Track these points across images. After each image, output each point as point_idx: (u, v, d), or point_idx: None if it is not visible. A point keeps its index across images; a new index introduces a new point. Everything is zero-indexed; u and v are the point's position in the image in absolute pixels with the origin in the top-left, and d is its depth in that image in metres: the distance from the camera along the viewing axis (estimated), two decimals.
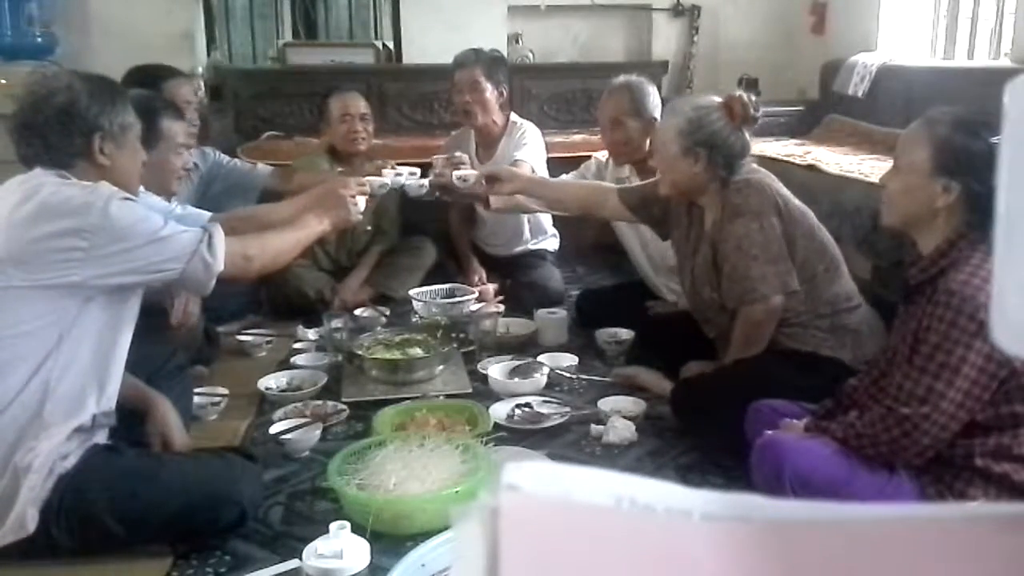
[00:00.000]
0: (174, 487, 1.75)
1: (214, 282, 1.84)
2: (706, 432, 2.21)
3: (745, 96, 2.27)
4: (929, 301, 1.61)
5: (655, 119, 2.93)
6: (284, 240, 2.08)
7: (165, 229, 1.78)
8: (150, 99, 2.42)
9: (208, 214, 2.39)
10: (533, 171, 3.19)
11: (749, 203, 2.22)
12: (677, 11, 5.19)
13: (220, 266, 1.82)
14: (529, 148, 3.39)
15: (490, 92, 3.38)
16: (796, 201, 2.31)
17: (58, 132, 1.76)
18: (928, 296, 1.62)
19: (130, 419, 1.97)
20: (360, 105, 3.41)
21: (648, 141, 2.94)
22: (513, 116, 3.55)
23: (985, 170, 1.58)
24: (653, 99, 3.01)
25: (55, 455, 1.68)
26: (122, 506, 1.70)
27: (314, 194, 2.42)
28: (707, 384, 2.28)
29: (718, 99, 2.30)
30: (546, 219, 3.67)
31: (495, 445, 2.11)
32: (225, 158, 3.28)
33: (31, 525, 1.64)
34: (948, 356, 1.54)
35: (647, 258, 3.13)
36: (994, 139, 1.59)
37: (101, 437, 1.80)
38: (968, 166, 1.61)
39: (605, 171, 3.18)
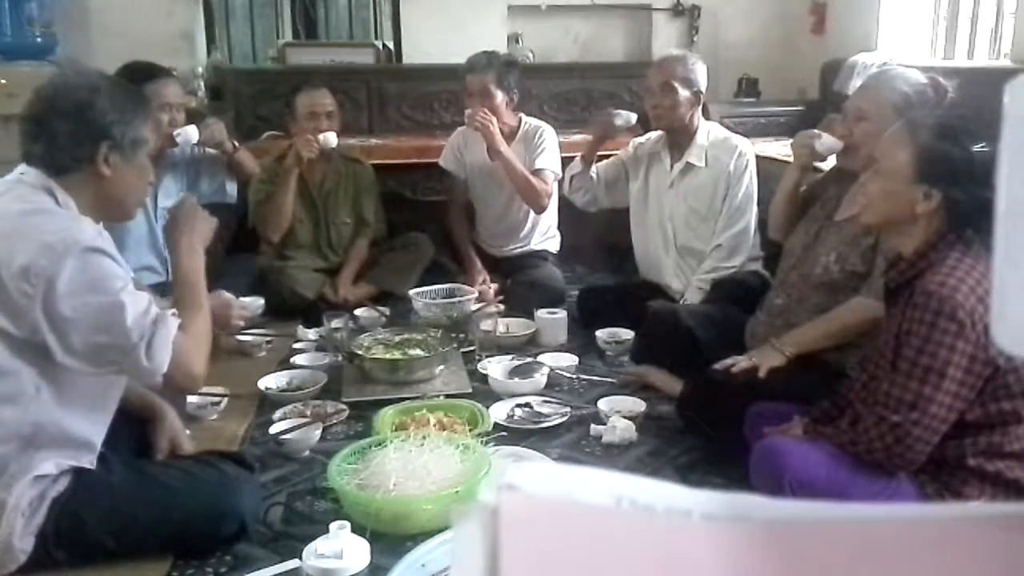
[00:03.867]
0: (172, 506, 1.72)
1: (160, 378, 1.66)
2: (712, 431, 2.20)
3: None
4: (908, 304, 1.60)
5: (701, 93, 2.98)
6: (204, 323, 1.83)
7: (124, 293, 1.60)
8: None
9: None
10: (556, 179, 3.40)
11: None
12: (677, 11, 5.19)
13: (161, 370, 1.64)
14: (547, 154, 3.42)
15: (500, 99, 3.36)
16: None
17: (67, 132, 1.65)
18: (906, 298, 1.62)
19: (128, 423, 1.95)
20: (327, 103, 3.36)
21: (690, 115, 2.96)
22: (524, 117, 3.55)
23: (966, 179, 1.57)
24: (702, 75, 3.01)
25: (44, 483, 1.64)
26: (120, 528, 1.68)
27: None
28: (718, 384, 2.27)
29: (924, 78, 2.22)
30: (551, 218, 3.67)
31: (495, 445, 2.12)
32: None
33: (21, 557, 1.61)
34: (932, 359, 1.53)
35: (663, 234, 3.09)
36: (976, 147, 1.58)
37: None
38: (949, 174, 1.60)
39: (643, 147, 3.17)
